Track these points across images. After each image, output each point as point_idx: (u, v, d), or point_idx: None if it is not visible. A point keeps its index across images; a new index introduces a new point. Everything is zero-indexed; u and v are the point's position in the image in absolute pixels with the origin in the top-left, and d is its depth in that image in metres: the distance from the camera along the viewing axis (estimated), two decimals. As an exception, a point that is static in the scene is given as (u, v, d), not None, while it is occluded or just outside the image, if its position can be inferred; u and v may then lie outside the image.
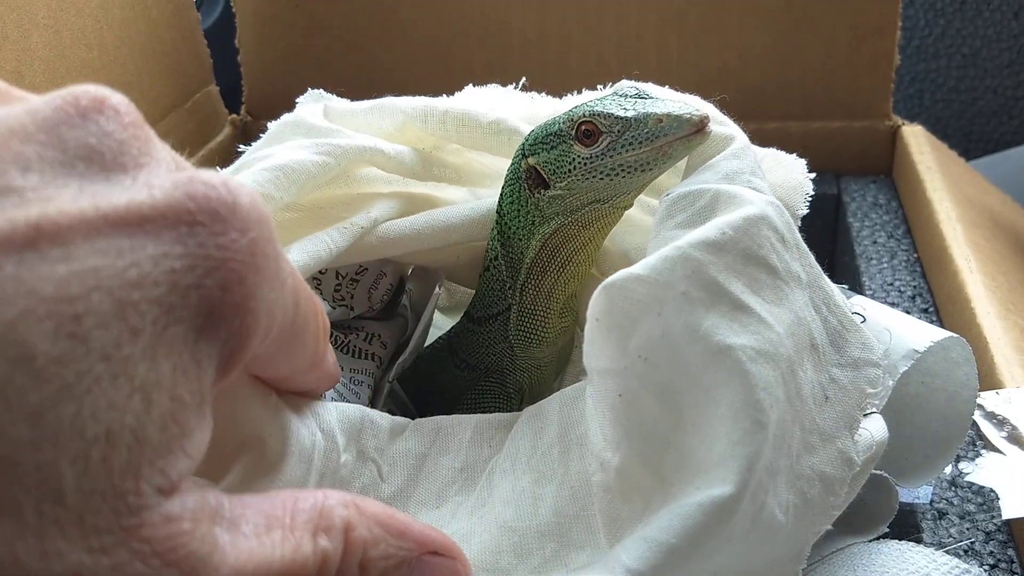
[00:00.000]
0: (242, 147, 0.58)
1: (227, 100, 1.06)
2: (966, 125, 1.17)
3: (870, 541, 0.49)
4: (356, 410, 0.48)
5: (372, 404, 0.56)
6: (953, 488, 0.57)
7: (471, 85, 0.64)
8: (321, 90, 0.61)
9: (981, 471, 0.55)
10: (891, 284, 0.78)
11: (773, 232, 0.42)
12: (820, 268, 0.46)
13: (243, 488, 0.41)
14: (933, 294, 0.76)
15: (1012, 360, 0.60)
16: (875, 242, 0.85)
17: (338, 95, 0.63)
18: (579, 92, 0.61)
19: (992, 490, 0.56)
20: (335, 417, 0.46)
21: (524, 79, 0.62)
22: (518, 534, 0.42)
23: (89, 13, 0.80)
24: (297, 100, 0.61)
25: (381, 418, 0.49)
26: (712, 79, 0.94)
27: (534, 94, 0.62)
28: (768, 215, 0.42)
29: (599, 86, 0.59)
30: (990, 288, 0.68)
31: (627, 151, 0.46)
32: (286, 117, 0.58)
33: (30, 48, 0.73)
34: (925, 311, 0.74)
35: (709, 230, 0.41)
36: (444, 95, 0.61)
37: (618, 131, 0.47)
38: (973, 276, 0.69)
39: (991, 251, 0.75)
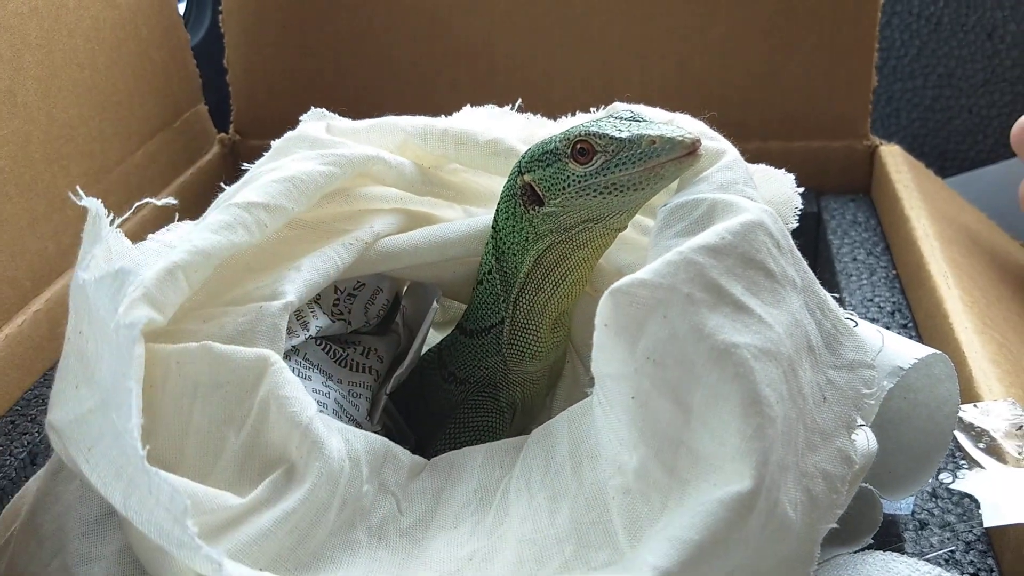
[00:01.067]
0: (246, 165, 0.59)
1: (215, 117, 1.07)
2: (941, 144, 1.19)
3: (855, 552, 0.51)
4: (381, 443, 0.49)
5: (370, 417, 0.57)
6: (934, 499, 0.59)
7: (460, 106, 0.66)
8: (324, 109, 0.62)
9: (963, 481, 0.57)
10: (871, 300, 0.80)
11: (769, 238, 0.44)
12: (813, 274, 0.47)
13: (269, 504, 0.42)
14: (912, 310, 0.78)
15: (989, 374, 0.62)
16: (855, 259, 0.87)
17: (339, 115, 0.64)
18: (572, 115, 0.62)
19: (972, 501, 0.58)
20: (363, 446, 0.47)
21: (520, 100, 0.64)
22: (537, 544, 0.43)
23: (81, 33, 0.81)
24: (301, 118, 0.62)
25: (403, 454, 0.50)
26: (694, 100, 0.96)
27: (530, 115, 0.63)
28: (764, 221, 0.44)
29: (592, 109, 0.61)
30: (967, 303, 0.70)
31: (620, 170, 0.48)
32: (290, 133, 0.59)
33: (22, 68, 0.74)
34: (904, 326, 0.76)
35: (709, 235, 0.42)
36: (430, 117, 0.62)
37: (612, 151, 0.48)
38: (951, 292, 0.71)
39: (968, 267, 0.77)
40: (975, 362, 0.63)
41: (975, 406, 0.59)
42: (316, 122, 0.61)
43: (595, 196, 0.49)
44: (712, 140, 0.50)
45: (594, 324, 0.59)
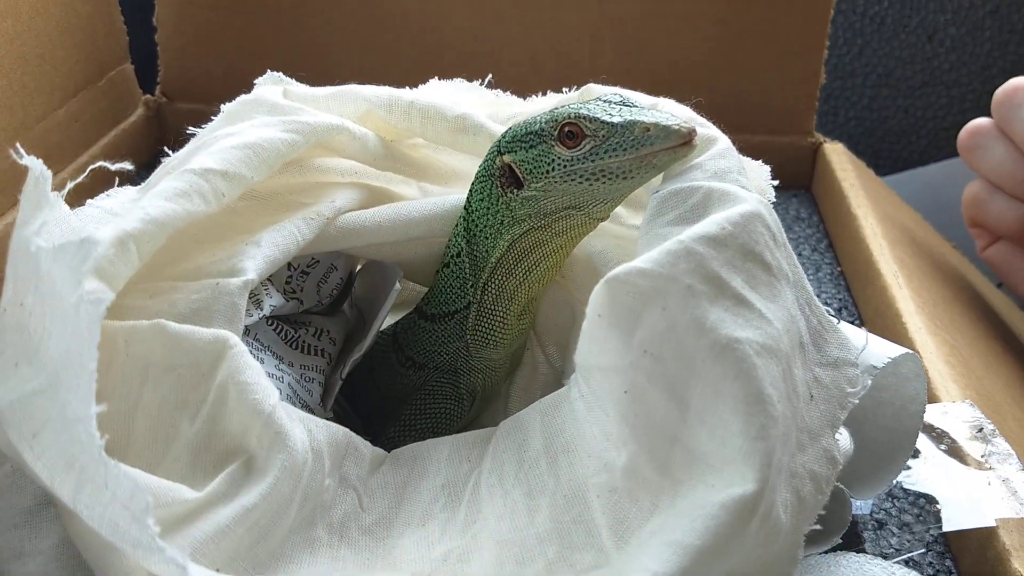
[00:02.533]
0: (192, 129, 0.55)
1: (139, 78, 1.01)
2: (876, 143, 1.21)
3: (825, 552, 0.50)
4: (343, 434, 0.46)
5: (323, 403, 0.54)
6: (891, 499, 0.59)
7: (403, 79, 0.62)
8: (280, 73, 0.58)
9: (917, 478, 0.57)
10: (817, 297, 0.80)
11: (767, 230, 0.42)
12: (801, 268, 0.46)
13: (227, 499, 0.39)
14: (859, 307, 0.78)
15: (945, 375, 0.62)
16: (799, 255, 0.87)
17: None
18: (543, 94, 0.60)
19: (928, 502, 0.58)
20: (325, 437, 0.44)
21: (491, 75, 0.61)
22: (517, 545, 0.41)
23: (2, -21, 0.75)
24: (255, 81, 0.58)
25: (364, 446, 0.48)
26: (642, 86, 0.94)
27: (499, 92, 0.60)
28: (762, 213, 0.42)
29: (565, 89, 0.59)
30: (918, 304, 0.70)
31: (609, 157, 0.46)
32: (245, 97, 0.55)
33: (-63, 12, 0.68)
34: (851, 324, 0.76)
35: (709, 225, 0.41)
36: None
37: (603, 136, 0.46)
38: (902, 291, 0.71)
39: (914, 267, 0.78)
40: (931, 363, 0.63)
41: (935, 406, 0.59)
42: (273, 86, 0.57)
43: (580, 182, 0.47)
44: (703, 127, 0.48)
45: (561, 312, 0.58)
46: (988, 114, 0.80)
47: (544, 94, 0.62)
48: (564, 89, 0.59)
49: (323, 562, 0.43)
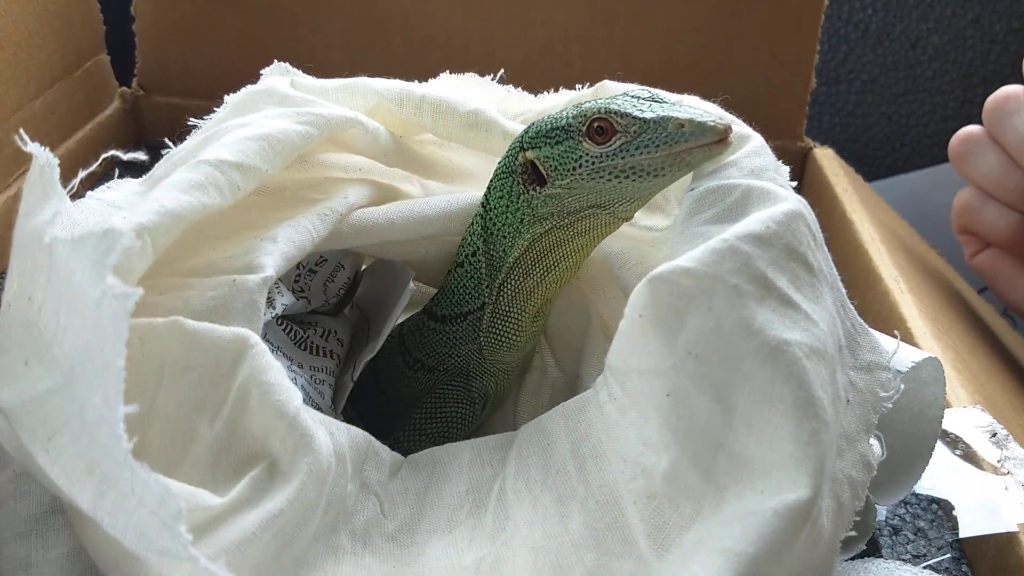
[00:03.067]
0: (194, 120, 0.52)
1: (116, 69, 0.98)
2: (860, 149, 1.22)
3: (853, 559, 0.50)
4: (363, 437, 0.45)
5: (334, 405, 0.52)
6: (905, 505, 0.58)
7: (391, 76, 0.60)
8: (287, 64, 0.56)
9: (932, 483, 0.56)
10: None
11: (808, 229, 0.41)
12: (835, 270, 0.46)
13: (251, 504, 0.37)
14: (859, 313, 0.78)
15: (953, 380, 0.62)
16: (793, 259, 0.86)
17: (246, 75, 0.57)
18: (555, 90, 0.58)
19: (941, 508, 0.58)
20: (347, 441, 0.42)
21: (502, 71, 0.59)
22: (552, 552, 0.40)
23: (-21, -37, 0.72)
24: (262, 72, 0.56)
25: (383, 450, 0.46)
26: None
27: (510, 88, 0.59)
28: (803, 212, 0.42)
29: (578, 86, 0.57)
30: (921, 309, 0.70)
31: (641, 154, 0.44)
32: (252, 87, 0.53)
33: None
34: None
35: (753, 223, 0.40)
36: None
37: (634, 132, 0.45)
38: (904, 297, 0.71)
39: (912, 273, 0.78)
40: (940, 368, 0.63)
41: (948, 411, 0.58)
42: (280, 77, 0.55)
43: (609, 180, 0.46)
44: (736, 124, 0.47)
45: (575, 314, 0.57)
46: (969, 122, 0.81)
47: (536, 93, 0.61)
48: (577, 86, 0.57)
49: (348, 570, 0.41)
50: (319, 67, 0.66)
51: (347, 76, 0.57)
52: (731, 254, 0.39)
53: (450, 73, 0.62)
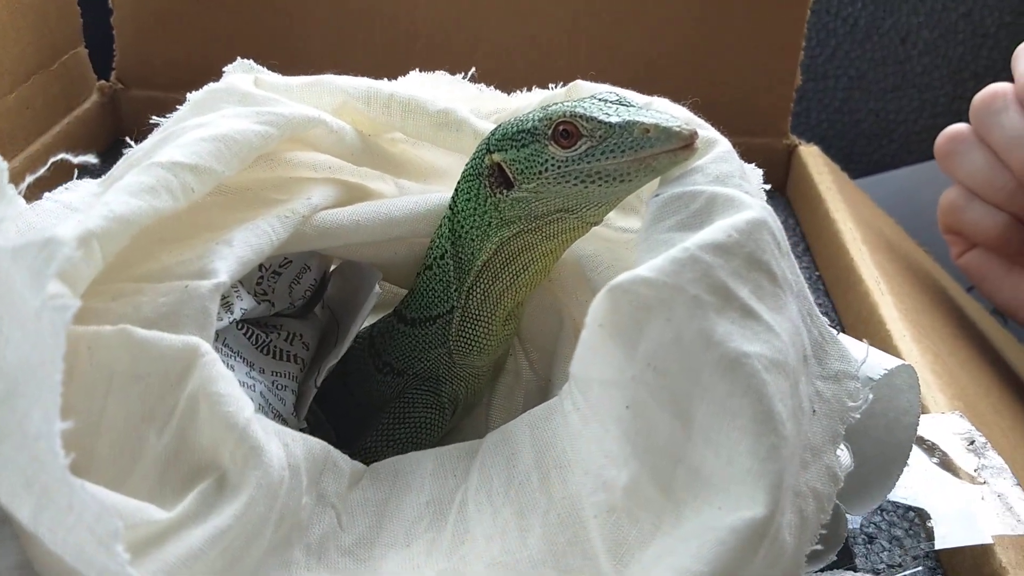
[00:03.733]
0: (156, 118, 0.51)
1: (94, 63, 0.97)
2: (848, 145, 1.21)
3: (822, 571, 0.49)
4: (321, 448, 0.44)
5: (296, 412, 0.51)
6: (881, 513, 0.57)
7: (373, 70, 0.59)
8: (251, 61, 0.55)
9: (908, 491, 0.55)
10: (797, 301, 0.79)
11: (772, 237, 0.40)
12: (802, 277, 0.45)
13: (198, 520, 0.36)
14: (839, 314, 0.77)
15: (932, 384, 0.61)
16: (776, 258, 0.85)
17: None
18: (528, 89, 0.57)
19: (918, 516, 0.57)
20: (302, 452, 0.41)
21: (472, 68, 0.58)
22: (510, 568, 0.39)
23: (-51, -46, 0.71)
24: (224, 69, 0.54)
25: (343, 460, 0.45)
26: (620, 83, 0.93)
27: (482, 86, 0.58)
28: (767, 220, 0.41)
29: (551, 85, 0.56)
30: (901, 311, 0.69)
31: (607, 158, 0.44)
32: (213, 85, 0.51)
33: None
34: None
35: (715, 232, 0.39)
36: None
37: (600, 136, 0.44)
38: (884, 298, 0.70)
39: (894, 273, 0.77)
40: (918, 372, 0.62)
41: (925, 418, 0.57)
42: (243, 74, 0.54)
43: (575, 184, 0.45)
44: (703, 129, 0.46)
45: (547, 317, 0.56)
46: (960, 118, 0.80)
47: (522, 89, 0.60)
48: (550, 85, 0.56)
49: (301, 586, 0.40)
50: (301, 60, 0.65)
51: (330, 70, 0.56)
52: (692, 264, 0.38)
53: (434, 67, 0.61)
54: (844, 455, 0.45)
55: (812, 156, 0.94)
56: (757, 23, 0.92)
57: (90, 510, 0.32)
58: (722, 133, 0.99)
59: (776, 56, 0.93)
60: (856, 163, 1.21)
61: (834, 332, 0.46)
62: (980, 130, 0.77)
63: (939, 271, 0.95)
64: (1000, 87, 0.76)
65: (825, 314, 0.76)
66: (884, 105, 1.19)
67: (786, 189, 0.98)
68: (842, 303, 0.77)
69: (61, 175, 0.48)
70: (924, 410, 0.59)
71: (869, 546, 0.55)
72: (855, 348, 0.47)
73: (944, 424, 0.57)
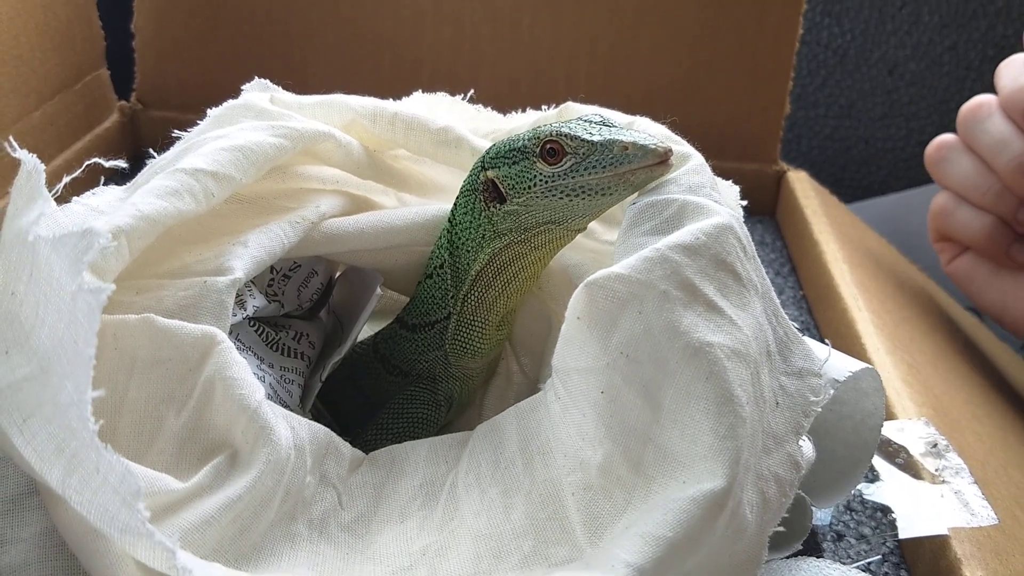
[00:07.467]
0: (178, 132, 0.55)
1: (115, 84, 1.02)
2: (838, 172, 1.25)
3: (787, 557, 0.52)
4: (324, 433, 0.47)
5: (302, 404, 0.55)
6: (849, 512, 0.61)
7: (380, 94, 0.63)
8: (267, 80, 0.59)
9: (875, 490, 0.59)
10: (780, 317, 0.82)
11: (738, 241, 0.44)
12: (769, 281, 0.48)
13: (212, 490, 0.40)
14: (820, 330, 0.81)
15: (902, 393, 0.65)
16: (763, 277, 0.89)
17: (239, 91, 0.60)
18: (523, 111, 0.62)
19: (885, 514, 0.60)
20: (307, 435, 0.45)
21: (472, 91, 0.63)
22: (493, 539, 0.42)
23: (-16, -20, 0.76)
24: (243, 87, 0.59)
25: (344, 446, 0.49)
26: (616, 108, 0.97)
27: (480, 107, 0.62)
28: (733, 225, 0.45)
29: (544, 107, 0.60)
30: (877, 325, 0.73)
31: (589, 174, 0.48)
32: (232, 102, 0.56)
33: (-81, 11, 0.68)
34: (813, 342, 0.78)
35: (684, 235, 0.43)
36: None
37: (583, 153, 0.48)
38: (861, 313, 0.74)
39: (876, 290, 0.81)
40: (888, 382, 0.66)
41: (893, 424, 0.61)
42: (260, 92, 0.58)
43: (561, 198, 0.49)
44: (678, 145, 0.50)
45: (537, 322, 0.60)
46: (945, 147, 0.83)
47: (523, 111, 0.64)
48: (543, 106, 0.60)
49: (303, 556, 0.43)
50: (311, 84, 0.69)
51: (338, 94, 0.60)
52: (662, 262, 0.42)
53: (438, 90, 0.65)
54: (807, 447, 0.48)
55: (800, 181, 0.98)
56: (748, 55, 0.96)
57: (115, 472, 0.35)
58: (715, 159, 1.03)
59: (766, 86, 0.97)
60: (846, 188, 1.25)
61: (799, 333, 0.49)
62: (967, 138, 0.81)
63: (933, 287, 0.98)
64: (985, 98, 0.80)
65: (807, 331, 0.80)
66: (873, 133, 1.23)
67: (776, 213, 1.02)
68: (823, 320, 0.80)
69: (85, 186, 0.52)
70: (893, 416, 0.63)
71: (838, 543, 0.58)
72: (818, 349, 0.50)
73: (910, 429, 0.60)
